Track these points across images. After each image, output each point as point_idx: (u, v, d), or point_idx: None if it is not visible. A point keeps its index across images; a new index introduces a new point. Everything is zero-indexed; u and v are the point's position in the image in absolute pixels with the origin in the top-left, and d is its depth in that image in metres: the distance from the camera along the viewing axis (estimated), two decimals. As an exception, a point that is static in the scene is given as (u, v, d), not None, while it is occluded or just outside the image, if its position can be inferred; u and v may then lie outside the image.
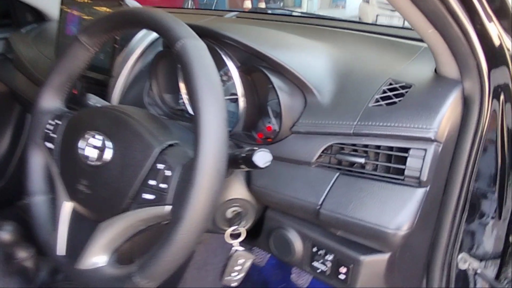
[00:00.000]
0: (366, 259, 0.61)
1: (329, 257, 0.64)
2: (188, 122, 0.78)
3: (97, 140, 0.57)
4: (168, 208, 0.50)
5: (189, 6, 7.38)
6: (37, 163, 0.69)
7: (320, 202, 0.60)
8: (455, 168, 0.63)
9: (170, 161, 0.51)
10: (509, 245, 0.80)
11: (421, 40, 0.80)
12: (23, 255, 0.89)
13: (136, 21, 0.57)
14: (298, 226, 0.68)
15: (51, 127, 0.66)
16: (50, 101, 0.69)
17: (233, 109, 0.79)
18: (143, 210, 0.52)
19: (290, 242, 0.68)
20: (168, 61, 0.85)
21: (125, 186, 0.53)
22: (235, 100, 0.78)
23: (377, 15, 6.39)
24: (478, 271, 0.74)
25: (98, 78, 0.91)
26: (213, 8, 8.38)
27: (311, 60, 0.69)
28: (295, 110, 0.64)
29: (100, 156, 0.56)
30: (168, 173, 0.50)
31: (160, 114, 0.83)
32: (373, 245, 0.61)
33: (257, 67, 0.66)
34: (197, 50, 0.49)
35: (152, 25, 0.54)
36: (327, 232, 0.65)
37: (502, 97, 0.65)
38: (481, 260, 0.79)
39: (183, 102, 0.86)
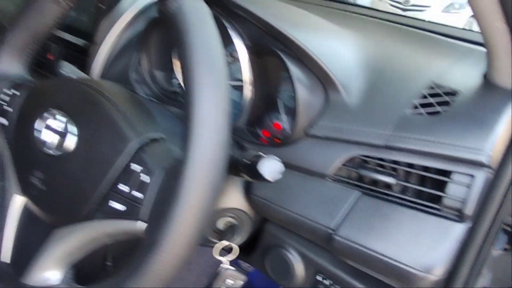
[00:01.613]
0: (383, 299, 0.50)
1: (336, 290, 0.53)
2: (181, 109, 0.65)
3: (58, 122, 0.44)
4: (141, 224, 0.37)
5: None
6: None
7: (335, 226, 0.48)
8: (491, 199, 0.52)
9: (149, 162, 0.38)
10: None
11: (463, 40, 0.69)
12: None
13: None
14: (301, 247, 0.56)
15: (7, 98, 0.53)
16: (8, 64, 0.56)
17: (236, 98, 0.66)
18: (110, 222, 0.39)
19: (290, 265, 0.56)
20: (164, 31, 0.71)
21: (89, 188, 0.41)
22: (239, 88, 0.66)
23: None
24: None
25: (78, 44, 0.77)
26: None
27: (339, 49, 0.56)
28: (313, 108, 0.52)
29: (60, 144, 0.44)
30: (145, 178, 0.37)
31: (148, 95, 0.70)
32: (392, 284, 0.49)
33: (272, 49, 0.53)
34: (197, 14, 0.36)
35: None
36: (336, 258, 0.53)
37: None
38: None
39: (177, 83, 0.73)
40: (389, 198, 0.48)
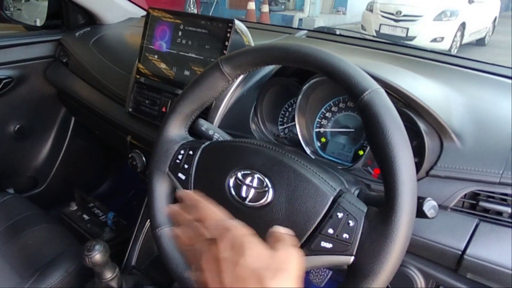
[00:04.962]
0: (500, 303, 0.62)
1: (457, 299, 0.66)
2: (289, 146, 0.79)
3: (256, 180, 0.57)
4: (348, 258, 0.50)
5: (191, 4, 7.33)
6: (163, 193, 0.68)
7: (463, 248, 0.61)
8: None
9: (350, 210, 0.51)
10: None
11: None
12: (109, 275, 0.87)
13: (304, 61, 0.56)
14: (421, 265, 0.68)
15: (182, 157, 0.65)
16: (177, 129, 0.68)
17: (343, 141, 0.79)
18: (318, 257, 0.51)
19: (412, 281, 0.69)
20: (273, 89, 0.85)
21: (294, 232, 0.52)
22: (347, 133, 0.79)
23: (380, 24, 6.48)
24: None
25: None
26: (212, 9, 8.35)
27: (444, 103, 0.70)
28: (434, 153, 0.65)
29: (260, 197, 0.56)
30: (351, 223, 0.50)
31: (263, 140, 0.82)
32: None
33: (402, 110, 0.66)
34: (385, 102, 0.50)
35: (328, 70, 0.53)
36: (453, 273, 0.66)
37: None
38: None
39: (285, 132, 0.86)
40: (502, 223, 0.61)
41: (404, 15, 6.45)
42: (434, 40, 6.26)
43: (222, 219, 0.42)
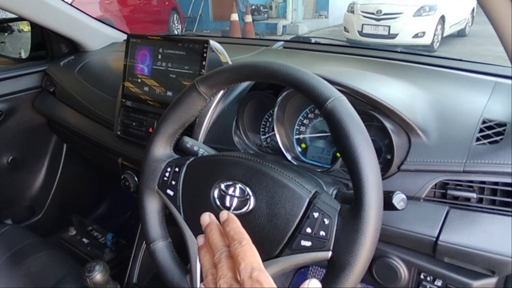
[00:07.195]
0: (477, 284, 0.67)
1: (438, 283, 0.70)
2: (272, 154, 0.83)
3: (238, 189, 0.61)
4: (326, 253, 0.54)
5: (175, 20, 7.42)
6: (154, 209, 0.71)
7: (437, 234, 0.65)
8: None
9: (325, 210, 0.55)
10: None
11: (483, 73, 0.89)
12: (111, 293, 0.91)
13: (272, 76, 0.60)
14: (402, 255, 0.73)
15: (169, 174, 0.69)
16: (163, 148, 0.72)
17: (322, 145, 0.84)
18: (299, 255, 0.55)
19: (396, 270, 0.73)
20: (252, 102, 0.90)
21: (276, 234, 0.57)
22: (325, 137, 0.84)
23: (362, 25, 6.59)
24: None
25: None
26: (196, 23, 8.45)
27: (409, 101, 0.75)
28: (403, 149, 0.70)
29: (242, 205, 0.60)
30: (326, 221, 0.54)
31: (246, 151, 0.87)
32: (484, 271, 0.66)
33: (369, 113, 0.71)
34: (346, 108, 0.54)
35: (294, 83, 0.58)
36: (432, 259, 0.70)
37: None
38: None
39: (268, 141, 0.91)
40: (470, 208, 0.66)
41: (385, 14, 6.56)
42: (416, 35, 6.37)
43: (259, 268, 0.39)
